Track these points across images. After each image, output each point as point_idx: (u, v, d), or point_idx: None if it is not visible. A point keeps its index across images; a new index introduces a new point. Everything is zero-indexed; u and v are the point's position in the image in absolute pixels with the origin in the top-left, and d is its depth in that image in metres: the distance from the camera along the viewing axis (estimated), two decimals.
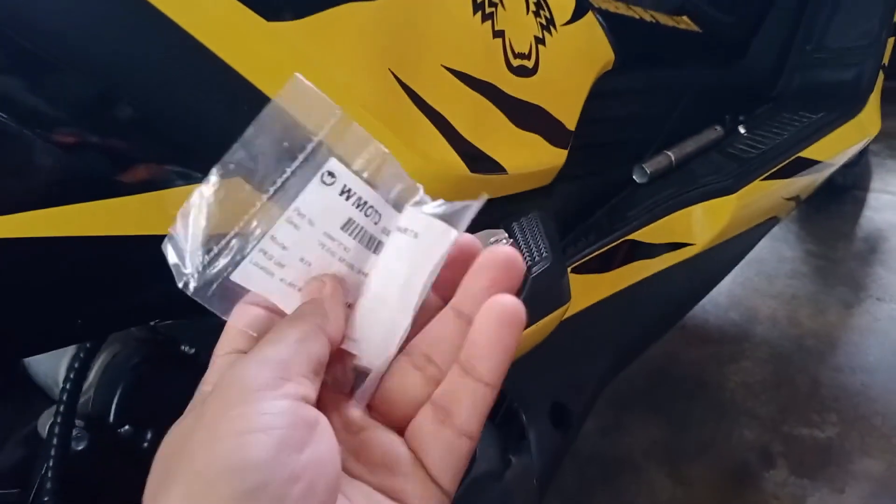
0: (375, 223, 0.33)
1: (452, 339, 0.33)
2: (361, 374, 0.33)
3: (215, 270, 0.32)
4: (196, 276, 0.32)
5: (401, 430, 0.33)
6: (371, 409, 0.34)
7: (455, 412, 0.32)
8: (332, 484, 0.27)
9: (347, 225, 0.33)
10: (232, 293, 0.32)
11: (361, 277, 0.33)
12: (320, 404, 0.33)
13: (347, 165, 0.33)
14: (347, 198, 0.33)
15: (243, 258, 0.32)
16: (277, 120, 0.32)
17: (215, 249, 0.32)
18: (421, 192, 0.34)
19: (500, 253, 0.32)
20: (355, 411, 0.33)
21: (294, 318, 0.31)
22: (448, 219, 0.33)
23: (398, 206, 0.34)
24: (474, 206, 0.33)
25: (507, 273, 0.32)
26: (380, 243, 0.34)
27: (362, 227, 0.33)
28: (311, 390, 0.29)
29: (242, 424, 0.26)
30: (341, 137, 0.33)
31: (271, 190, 0.32)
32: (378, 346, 0.33)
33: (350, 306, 0.34)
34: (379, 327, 0.33)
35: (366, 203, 0.33)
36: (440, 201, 0.34)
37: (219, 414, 0.27)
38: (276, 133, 0.32)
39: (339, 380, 0.33)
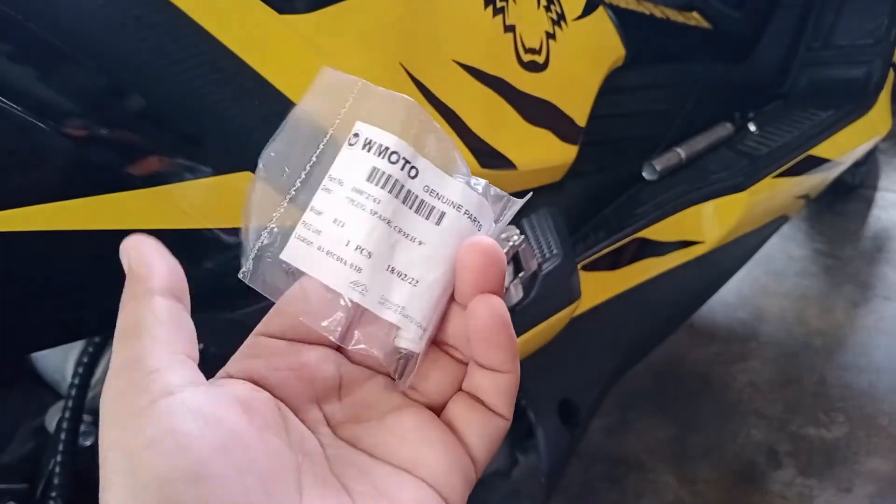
0: (412, 176, 0.31)
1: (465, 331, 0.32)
2: (403, 355, 0.32)
3: (265, 255, 0.31)
4: (250, 264, 0.31)
5: (435, 406, 0.33)
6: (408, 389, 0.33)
7: (484, 398, 0.32)
8: (263, 482, 0.26)
9: (372, 175, 0.31)
10: (282, 276, 0.32)
11: (402, 238, 0.31)
12: (352, 377, 0.33)
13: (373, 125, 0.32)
14: (370, 149, 0.31)
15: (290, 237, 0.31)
16: (302, 118, 0.32)
17: (264, 235, 0.31)
18: (457, 153, 0.33)
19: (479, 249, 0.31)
20: (385, 391, 0.33)
21: (126, 298, 0.29)
22: (495, 206, 0.33)
23: (437, 163, 0.32)
24: (516, 204, 0.33)
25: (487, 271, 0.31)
26: (423, 203, 0.31)
27: (390, 176, 0.31)
28: (184, 367, 0.27)
29: (122, 463, 0.24)
30: (365, 104, 0.32)
31: (297, 183, 0.32)
32: (422, 328, 0.31)
33: (392, 270, 0.31)
34: (428, 310, 0.31)
35: (388, 149, 0.31)
36: (478, 179, 0.33)
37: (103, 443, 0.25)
38: (302, 130, 0.32)
39: (388, 355, 0.32)
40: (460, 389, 0.33)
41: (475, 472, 0.31)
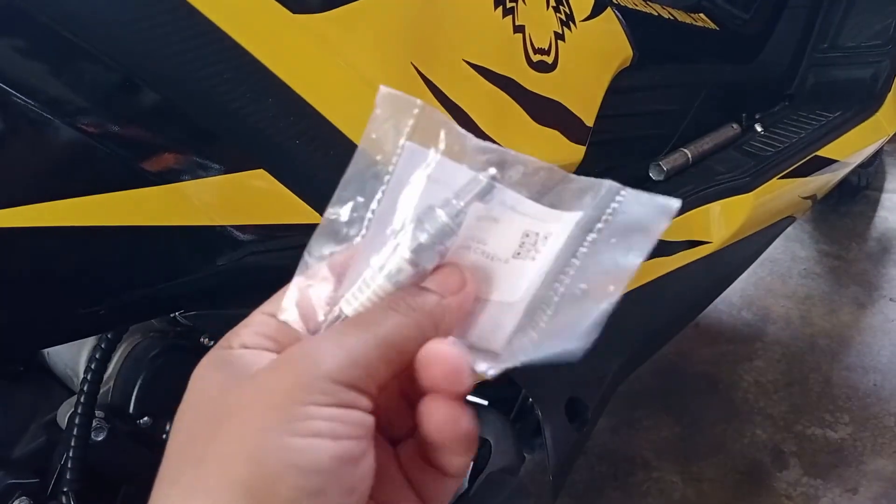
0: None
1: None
2: None
3: None
4: None
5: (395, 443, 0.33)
6: None
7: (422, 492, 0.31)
8: (366, 498, 0.27)
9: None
10: None
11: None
12: None
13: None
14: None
15: None
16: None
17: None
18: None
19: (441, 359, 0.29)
20: None
21: (406, 310, 0.29)
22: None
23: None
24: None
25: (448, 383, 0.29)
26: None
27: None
28: (377, 396, 0.28)
29: (312, 427, 0.25)
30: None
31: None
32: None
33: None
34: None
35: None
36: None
37: (286, 401, 0.26)
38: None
39: None
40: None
41: None
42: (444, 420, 0.29)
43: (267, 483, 0.24)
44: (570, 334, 0.29)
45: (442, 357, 0.29)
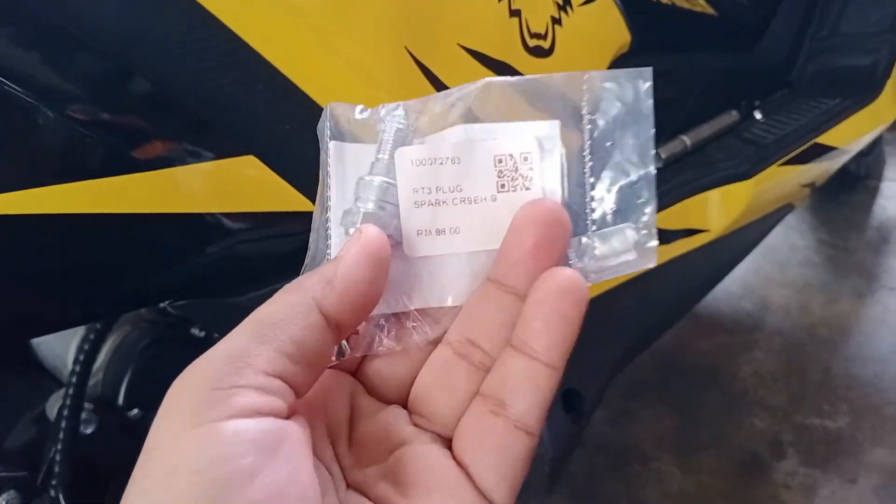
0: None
1: (497, 316, 0.28)
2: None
3: None
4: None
5: (449, 432, 0.29)
6: (412, 413, 0.29)
7: (510, 401, 0.27)
8: None
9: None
10: None
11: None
12: (363, 410, 0.29)
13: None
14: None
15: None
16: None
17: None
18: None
19: (541, 208, 0.27)
20: (393, 423, 0.29)
21: (283, 291, 0.27)
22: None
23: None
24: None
25: (551, 232, 0.27)
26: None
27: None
28: (276, 390, 0.24)
29: (169, 465, 0.23)
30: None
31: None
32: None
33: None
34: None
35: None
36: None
37: (150, 448, 0.24)
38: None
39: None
40: (478, 393, 0.28)
41: None
42: (564, 279, 0.26)
43: None
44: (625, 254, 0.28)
45: (541, 203, 0.27)
